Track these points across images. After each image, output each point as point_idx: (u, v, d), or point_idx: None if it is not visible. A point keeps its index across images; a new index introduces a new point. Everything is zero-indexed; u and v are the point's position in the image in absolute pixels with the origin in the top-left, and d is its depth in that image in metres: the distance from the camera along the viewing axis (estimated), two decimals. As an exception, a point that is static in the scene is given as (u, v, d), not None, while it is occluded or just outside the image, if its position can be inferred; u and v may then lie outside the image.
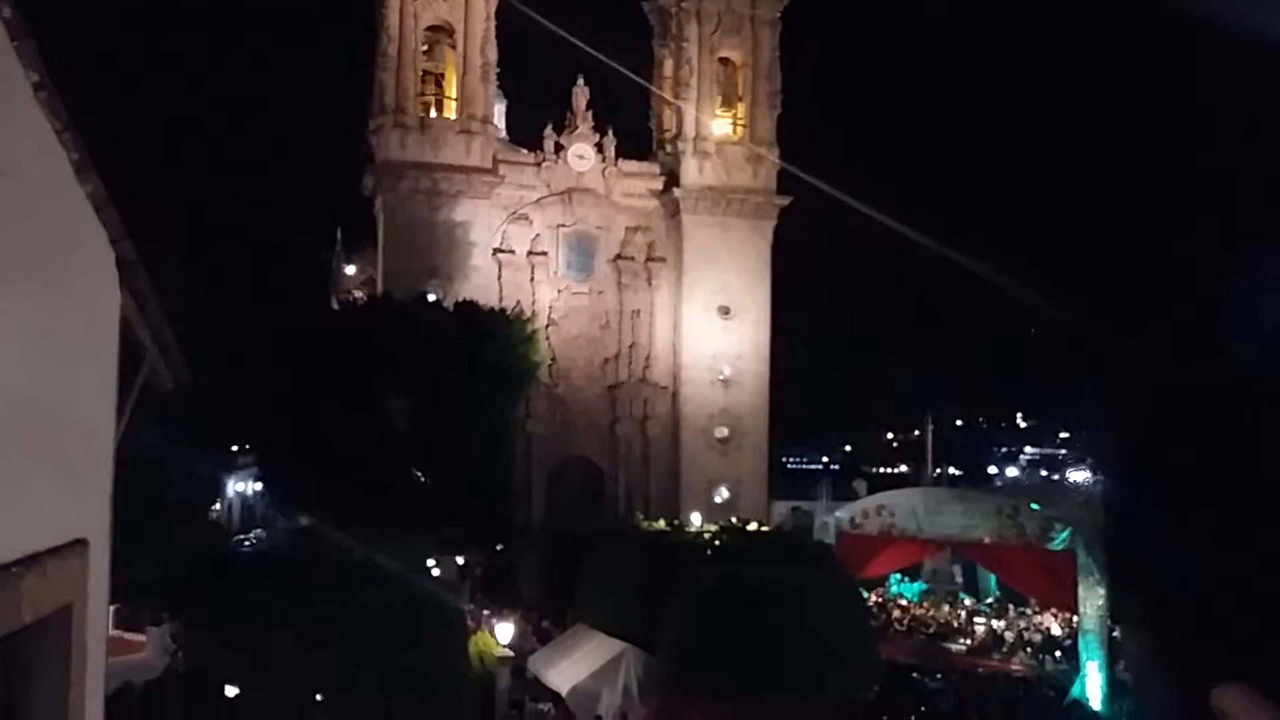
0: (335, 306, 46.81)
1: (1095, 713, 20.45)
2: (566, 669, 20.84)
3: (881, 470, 63.26)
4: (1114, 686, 21.03)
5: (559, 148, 43.14)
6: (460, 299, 36.30)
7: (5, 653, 4.97)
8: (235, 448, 45.86)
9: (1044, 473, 68.74)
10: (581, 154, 43.21)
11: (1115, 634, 22.00)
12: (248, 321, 39.15)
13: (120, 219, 6.02)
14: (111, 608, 17.69)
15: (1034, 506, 24.26)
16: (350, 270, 50.69)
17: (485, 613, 25.69)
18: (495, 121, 43.72)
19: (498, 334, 33.48)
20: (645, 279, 43.12)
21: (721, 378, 42.29)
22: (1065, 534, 22.81)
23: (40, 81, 4.80)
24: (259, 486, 44.30)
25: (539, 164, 42.92)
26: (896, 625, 26.30)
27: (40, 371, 4.98)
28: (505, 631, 22.10)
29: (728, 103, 44.87)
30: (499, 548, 31.66)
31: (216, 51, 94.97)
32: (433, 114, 42.11)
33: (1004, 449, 78.68)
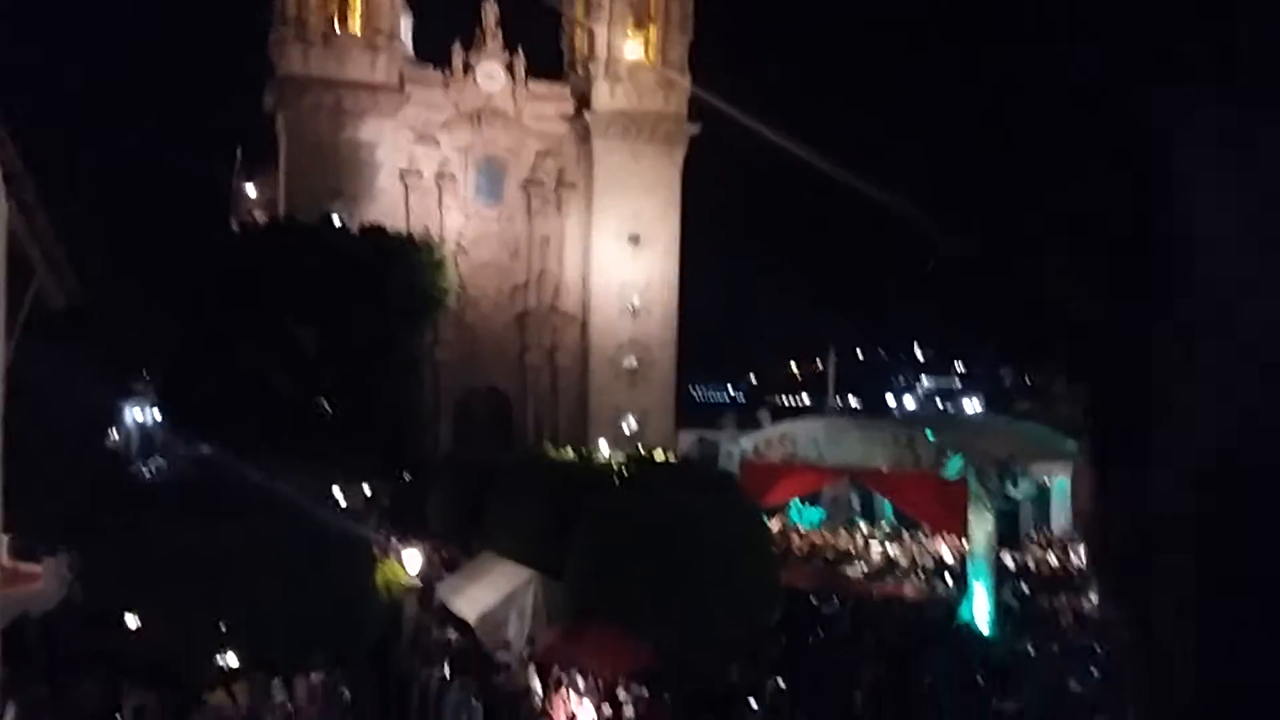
0: (235, 228, 45.44)
1: (981, 634, 21.46)
2: (474, 596, 21.06)
3: (785, 402, 64.52)
4: (999, 609, 22.08)
5: (468, 67, 42.25)
6: (366, 222, 35.61)
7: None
8: (132, 375, 44.59)
9: (940, 403, 70.96)
10: (490, 74, 42.39)
11: (1002, 558, 23.08)
12: (144, 243, 37.90)
13: (4, 127, 5.83)
14: (5, 537, 17.31)
15: (929, 435, 25.03)
16: (251, 191, 49.08)
17: (393, 541, 25.71)
18: (401, 38, 42.57)
19: (405, 259, 33.04)
20: (555, 205, 42.80)
21: (631, 307, 42.46)
22: (958, 461, 23.62)
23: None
24: (157, 414, 43.26)
25: (447, 84, 42.00)
26: (796, 552, 27.09)
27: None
28: (413, 560, 22.19)
29: (640, 24, 44.33)
30: (406, 477, 31.58)
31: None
32: (337, 28, 40.75)
33: (902, 380, 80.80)
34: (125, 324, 29.22)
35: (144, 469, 34.60)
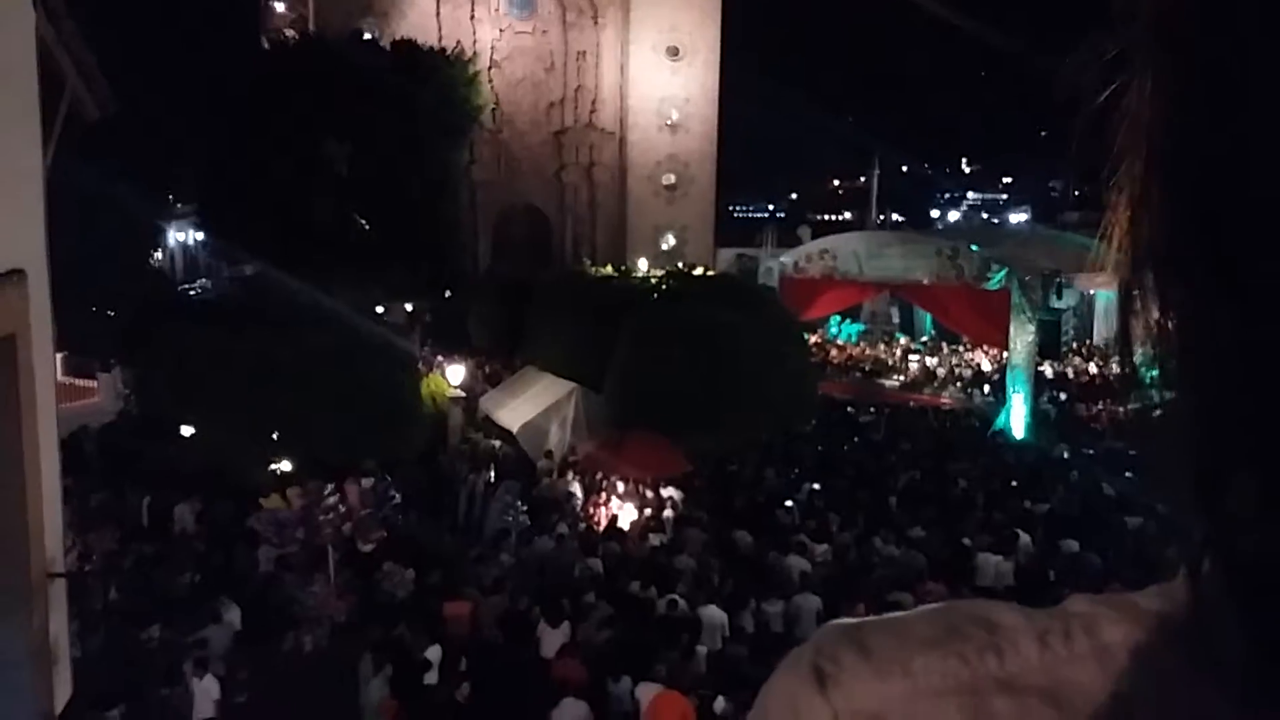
0: (266, 46, 44.58)
1: (1017, 440, 21.69)
2: (516, 408, 21.51)
3: (826, 218, 63.55)
4: (1036, 417, 22.23)
5: None
6: (397, 38, 34.76)
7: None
8: (172, 195, 44.74)
9: (985, 216, 69.54)
10: (526, -121, 40.41)
11: (1041, 368, 23.06)
12: (173, 59, 37.39)
13: None
14: (60, 355, 17.79)
15: (973, 248, 24.72)
16: (280, 7, 47.87)
17: (436, 357, 26.16)
18: None
19: (438, 75, 32.33)
20: (591, 17, 41.36)
21: (669, 123, 41.54)
22: (1001, 274, 23.40)
23: None
24: (200, 236, 43.63)
25: (478, -111, 40.13)
26: (834, 364, 27.27)
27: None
28: (456, 374, 22.60)
29: None
30: (447, 295, 31.84)
31: None
32: None
33: (947, 194, 79.10)
34: (160, 140, 29.13)
35: (190, 289, 35.11)
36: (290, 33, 42.20)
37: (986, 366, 25.46)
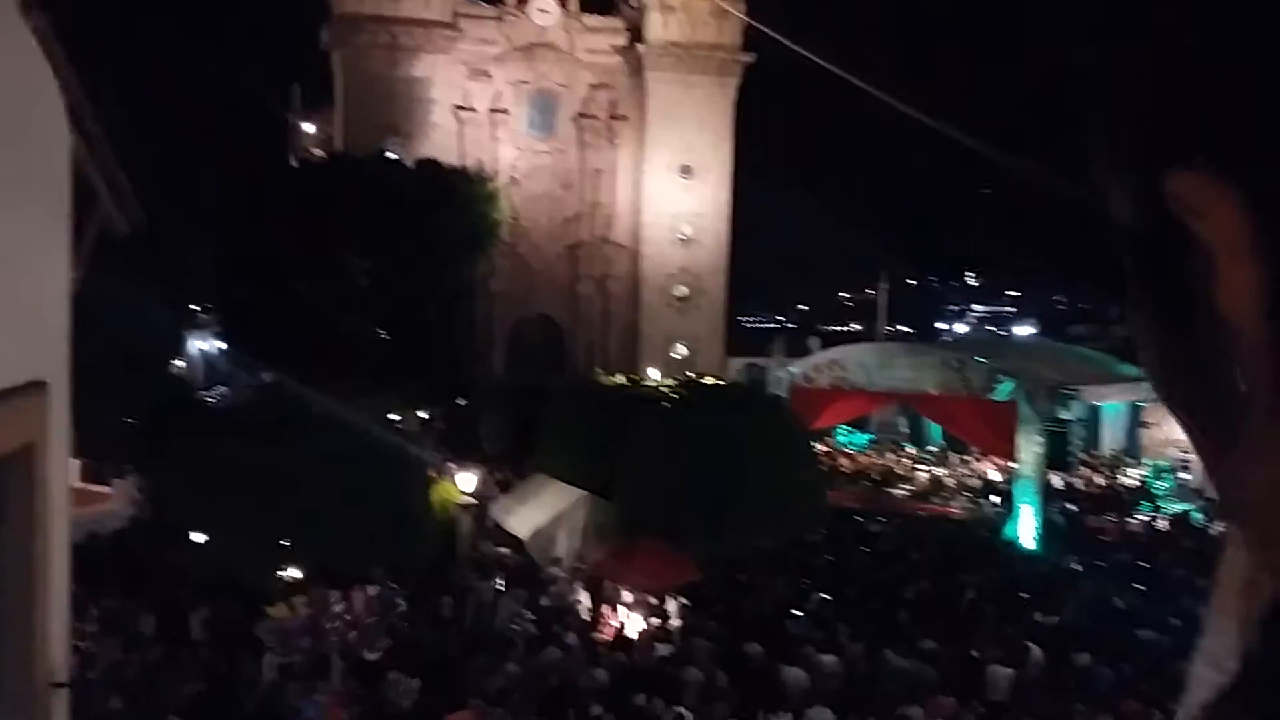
0: (294, 164, 46.05)
1: (1026, 551, 21.56)
2: (526, 515, 21.58)
3: (835, 328, 64.20)
4: (1045, 528, 22.13)
5: (521, 1, 42.06)
6: (421, 157, 35.91)
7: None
8: (196, 307, 45.68)
9: (991, 329, 70.05)
10: (544, 8, 42.15)
11: (1050, 479, 23.05)
12: (206, 177, 38.61)
13: (69, 59, 6.06)
14: (77, 462, 18.05)
15: (980, 360, 24.98)
16: (309, 128, 49.60)
17: (448, 464, 26.30)
18: (455, -27, 42.37)
19: (459, 192, 33.31)
20: (608, 137, 42.69)
21: (681, 237, 42.44)
22: (1009, 385, 23.60)
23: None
24: (221, 344, 44.37)
25: (500, 18, 41.88)
26: (843, 473, 27.29)
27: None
28: (467, 481, 22.69)
29: (693, -45, 43.65)
30: (461, 402, 32.19)
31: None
32: (391, -35, 40.76)
33: (954, 307, 79.79)
34: (187, 253, 29.96)
35: (209, 396, 35.56)
36: (318, 151, 43.67)
37: (995, 476, 25.46)
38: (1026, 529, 22.13)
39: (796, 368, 29.11)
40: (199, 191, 37.04)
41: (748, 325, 62.69)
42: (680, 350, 41.41)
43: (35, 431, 5.88)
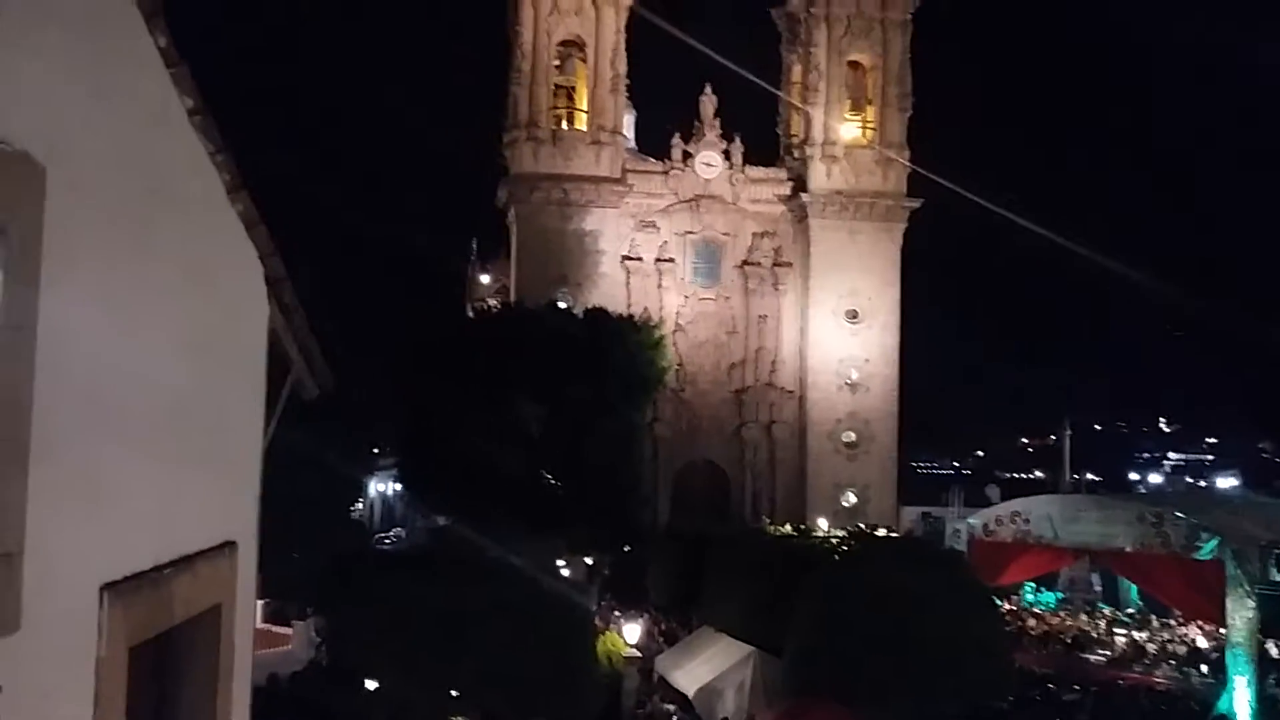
0: (470, 314, 48.17)
1: (1243, 730, 19.56)
2: (693, 670, 21.03)
3: (1015, 476, 61.45)
4: (1264, 703, 20.08)
5: (686, 156, 43.50)
6: (590, 306, 36.97)
7: (157, 650, 5.10)
8: (376, 450, 47.58)
9: (1189, 479, 65.63)
10: (709, 161, 43.48)
11: (1266, 647, 21.01)
12: (389, 329, 40.74)
13: (269, 236, 6.44)
14: (260, 602, 18.70)
15: (1179, 514, 23.33)
16: (485, 279, 52.12)
17: (614, 613, 26.08)
18: (624, 132, 44.36)
19: (626, 340, 33.96)
20: (772, 284, 43.07)
21: (849, 382, 41.93)
22: (1213, 543, 21.89)
23: (195, 107, 5.06)
24: (399, 487, 45.90)
25: (667, 172, 43.36)
26: (1031, 634, 25.62)
27: (195, 381, 5.19)
28: (633, 632, 22.40)
29: (856, 106, 44.47)
30: (626, 549, 32.07)
31: (358, 73, 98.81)
32: (564, 126, 43.06)
33: (1146, 454, 75.41)
34: (370, 404, 31.38)
35: (386, 538, 36.67)
36: (492, 302, 45.60)
37: (1203, 643, 23.39)
38: (1241, 703, 20.11)
39: (976, 519, 27.81)
40: (382, 339, 39.06)
41: (921, 472, 60.90)
42: (849, 498, 40.43)
43: (224, 592, 6.03)
